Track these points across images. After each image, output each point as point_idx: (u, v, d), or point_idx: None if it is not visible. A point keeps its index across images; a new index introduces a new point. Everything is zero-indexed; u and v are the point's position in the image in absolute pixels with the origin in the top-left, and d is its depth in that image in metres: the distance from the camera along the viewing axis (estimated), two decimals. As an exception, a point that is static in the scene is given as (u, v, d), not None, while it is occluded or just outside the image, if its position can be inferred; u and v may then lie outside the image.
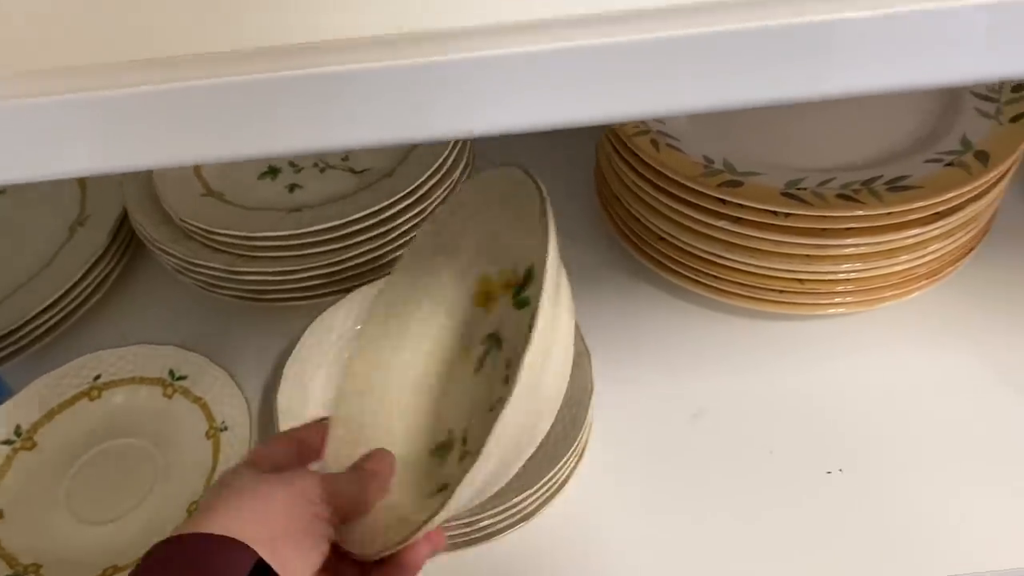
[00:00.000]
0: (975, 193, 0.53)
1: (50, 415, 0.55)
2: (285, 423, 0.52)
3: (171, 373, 0.56)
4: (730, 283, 0.58)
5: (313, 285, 0.58)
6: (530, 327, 0.32)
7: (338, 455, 0.39)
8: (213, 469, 0.52)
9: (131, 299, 0.65)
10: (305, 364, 0.55)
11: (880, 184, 0.53)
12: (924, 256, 0.56)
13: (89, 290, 0.62)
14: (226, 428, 0.54)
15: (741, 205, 0.53)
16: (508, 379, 0.36)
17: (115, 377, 0.56)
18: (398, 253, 0.57)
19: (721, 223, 0.54)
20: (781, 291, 0.57)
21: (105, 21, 0.26)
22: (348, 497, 0.35)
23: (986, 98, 0.58)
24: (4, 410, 0.55)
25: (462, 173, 0.62)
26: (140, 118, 0.24)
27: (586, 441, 0.52)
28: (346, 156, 0.64)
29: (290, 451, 0.37)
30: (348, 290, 0.58)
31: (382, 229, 0.57)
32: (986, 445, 0.53)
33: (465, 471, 0.32)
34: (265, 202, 0.60)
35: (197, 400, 0.55)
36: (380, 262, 0.58)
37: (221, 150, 0.25)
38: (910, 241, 0.54)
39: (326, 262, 0.56)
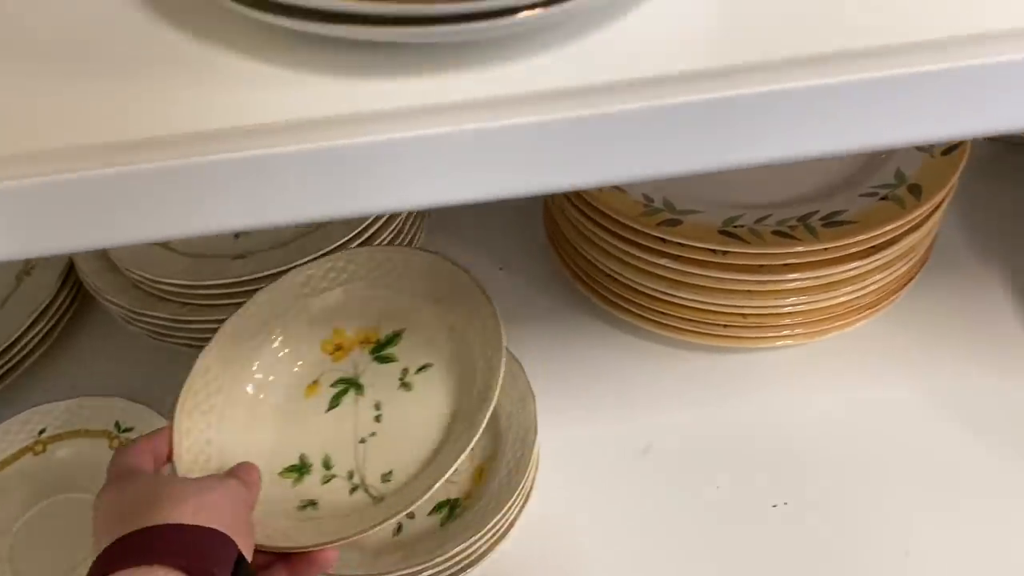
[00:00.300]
0: (909, 226, 0.55)
1: (-6, 470, 0.55)
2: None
3: (117, 425, 0.57)
4: (676, 318, 0.59)
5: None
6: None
7: (193, 465, 0.45)
8: (159, 521, 0.52)
9: (80, 349, 0.65)
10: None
11: (816, 220, 0.54)
12: (865, 287, 0.57)
13: (36, 340, 0.62)
14: (173, 479, 0.54)
15: (681, 244, 0.54)
16: (379, 419, 0.48)
17: (60, 430, 0.57)
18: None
19: (663, 261, 0.56)
20: (725, 325, 0.58)
21: (21, 112, 0.27)
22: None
23: (920, 131, 0.59)
24: (-53, 466, 0.55)
25: (407, 216, 0.63)
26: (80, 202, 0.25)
27: (532, 481, 0.52)
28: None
29: (147, 457, 0.42)
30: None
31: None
32: (931, 475, 0.54)
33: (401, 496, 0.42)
34: (210, 249, 0.60)
35: (144, 451, 0.56)
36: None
37: (150, 231, 0.26)
38: (850, 274, 0.56)
39: (272, 308, 0.57)
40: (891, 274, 0.57)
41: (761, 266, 0.54)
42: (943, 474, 0.54)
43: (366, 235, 0.60)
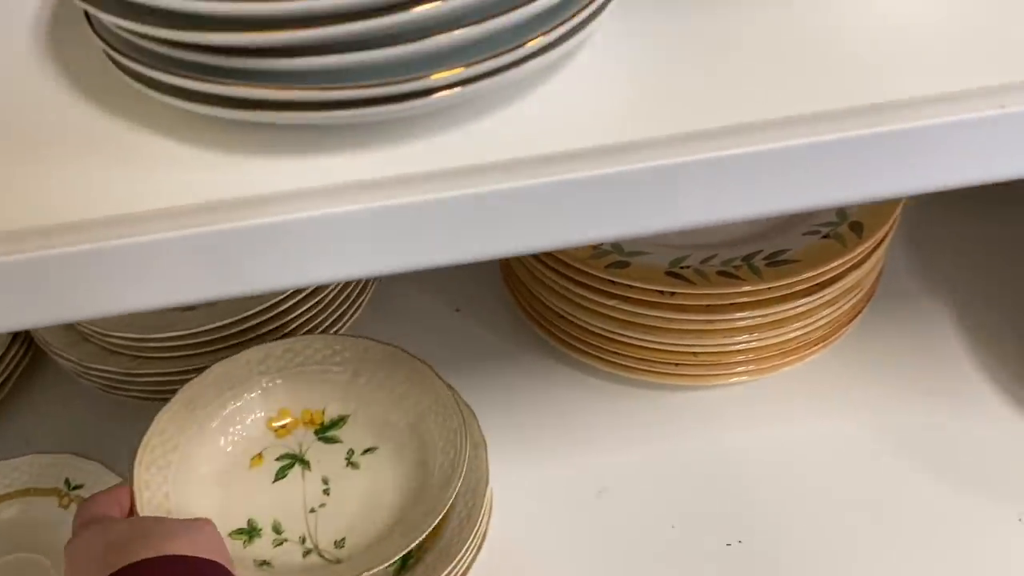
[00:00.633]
0: (852, 264, 0.56)
1: (-58, 532, 0.55)
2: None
3: (67, 483, 0.57)
4: (629, 358, 0.60)
5: (213, 383, 0.59)
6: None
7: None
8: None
9: (32, 403, 0.65)
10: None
11: (760, 259, 0.56)
12: (814, 322, 0.59)
13: (-14, 397, 0.62)
14: (125, 536, 0.54)
15: (629, 285, 0.56)
16: (328, 492, 0.52)
17: (8, 489, 0.57)
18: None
19: (613, 302, 0.57)
20: (676, 364, 0.59)
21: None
22: None
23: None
24: None
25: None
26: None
27: (486, 529, 0.53)
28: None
29: (114, 507, 0.44)
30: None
31: (276, 324, 0.58)
32: (883, 511, 0.55)
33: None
34: (162, 301, 0.61)
35: (95, 508, 0.56)
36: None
37: (51, 314, 0.27)
38: (797, 311, 0.57)
39: (223, 358, 0.57)
40: (837, 309, 0.59)
41: (709, 306, 0.56)
42: (895, 511, 0.55)
43: (312, 287, 0.61)
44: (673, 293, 0.55)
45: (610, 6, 0.30)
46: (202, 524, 0.41)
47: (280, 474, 0.53)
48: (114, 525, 0.40)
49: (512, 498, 0.56)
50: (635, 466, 0.58)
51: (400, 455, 0.52)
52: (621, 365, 0.60)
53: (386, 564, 0.45)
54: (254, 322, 0.58)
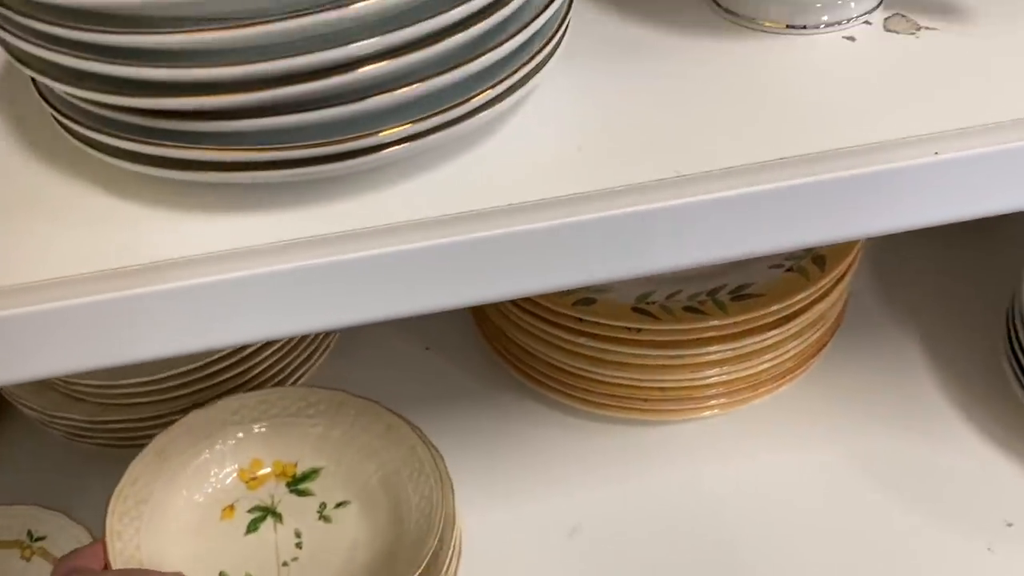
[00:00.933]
0: (816, 296, 0.57)
1: (-99, 588, 0.55)
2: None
3: (29, 534, 0.56)
4: (599, 395, 0.61)
5: (179, 428, 0.59)
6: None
7: (126, 567, 0.48)
8: (74, 634, 0.51)
9: (-4, 453, 0.64)
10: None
11: (724, 294, 0.57)
12: (783, 355, 0.60)
13: (-52, 447, 0.62)
14: (89, 587, 0.54)
15: (597, 322, 0.56)
16: (300, 546, 0.52)
17: (-30, 542, 0.56)
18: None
19: (581, 339, 0.58)
20: (646, 400, 0.60)
21: None
22: None
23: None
24: None
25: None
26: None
27: (455, 572, 0.53)
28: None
29: (92, 560, 0.45)
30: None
31: (242, 368, 0.58)
32: (856, 541, 0.55)
33: None
34: (127, 346, 0.61)
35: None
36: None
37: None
38: (765, 344, 0.58)
39: (189, 403, 0.58)
40: (804, 341, 0.60)
41: (676, 341, 0.57)
42: (865, 538, 0.56)
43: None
44: (640, 329, 0.56)
45: (553, 59, 0.32)
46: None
47: (252, 527, 0.53)
48: None
49: (482, 538, 0.56)
50: (608, 504, 0.59)
51: (373, 510, 0.52)
52: (592, 402, 0.61)
53: None
54: (220, 366, 0.58)
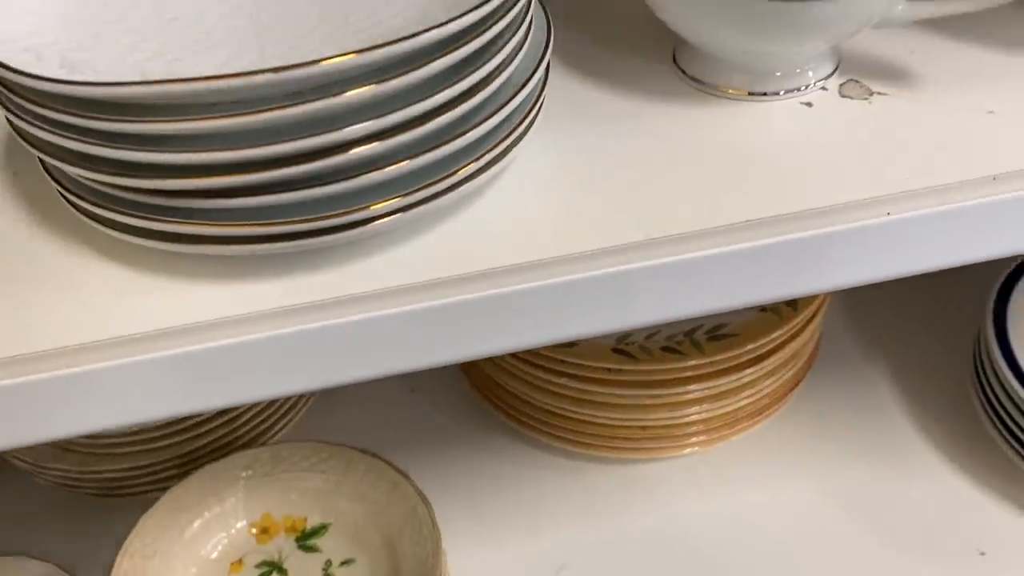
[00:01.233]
0: (789, 335, 0.60)
1: None
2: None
3: (20, 585, 0.57)
4: (582, 434, 0.63)
5: (167, 476, 0.60)
6: None
7: None
8: None
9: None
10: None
11: (701, 334, 0.59)
12: (759, 392, 0.62)
13: (-64, 499, 0.62)
14: (77, 639, 0.55)
15: (578, 364, 0.59)
16: None
17: (-40, 595, 0.57)
18: (245, 440, 0.62)
19: (563, 380, 0.60)
20: (627, 439, 0.62)
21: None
22: None
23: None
24: None
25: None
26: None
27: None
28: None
29: None
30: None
31: (228, 416, 0.60)
32: (838, 574, 0.58)
33: None
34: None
35: (47, 612, 0.56)
36: (230, 448, 0.61)
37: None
38: (741, 382, 0.60)
39: (178, 452, 0.59)
40: (779, 379, 0.62)
41: (656, 381, 0.59)
42: (844, 572, 0.58)
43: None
44: (620, 370, 0.58)
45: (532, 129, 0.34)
46: None
47: None
48: None
49: (470, 580, 0.58)
50: (593, 542, 0.61)
51: (376, 569, 0.54)
52: (575, 441, 0.63)
53: None
54: (206, 415, 0.59)
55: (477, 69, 0.30)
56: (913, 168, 0.34)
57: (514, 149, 0.33)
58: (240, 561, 0.55)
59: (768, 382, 0.62)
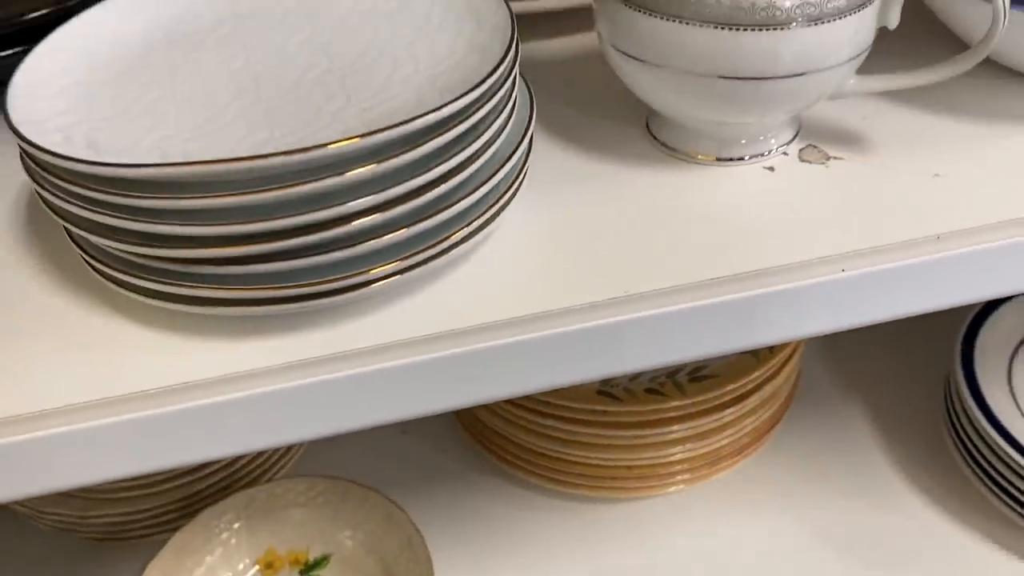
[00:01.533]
0: (767, 376, 0.64)
1: None
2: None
3: (21, 630, 0.59)
4: (570, 474, 0.66)
5: (168, 520, 0.63)
6: None
7: None
8: None
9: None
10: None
11: (683, 375, 0.63)
12: (740, 431, 0.65)
13: (-64, 546, 0.64)
14: None
15: (564, 406, 0.62)
16: None
17: (-38, 641, 0.59)
18: (245, 481, 0.64)
19: (550, 422, 0.63)
20: (613, 478, 0.65)
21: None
22: None
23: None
24: None
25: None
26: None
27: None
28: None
29: None
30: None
31: (227, 459, 0.63)
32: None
33: None
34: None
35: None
36: (230, 490, 0.64)
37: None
38: (723, 421, 0.64)
39: (177, 497, 0.62)
40: (759, 418, 0.66)
41: (640, 422, 0.62)
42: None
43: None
44: (605, 411, 0.62)
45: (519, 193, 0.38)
46: None
47: None
48: None
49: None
50: (581, 580, 0.63)
51: None
52: (562, 481, 0.66)
53: None
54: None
55: (467, 147, 0.33)
56: (865, 228, 0.38)
57: (501, 215, 0.36)
58: None
59: (748, 421, 0.65)
